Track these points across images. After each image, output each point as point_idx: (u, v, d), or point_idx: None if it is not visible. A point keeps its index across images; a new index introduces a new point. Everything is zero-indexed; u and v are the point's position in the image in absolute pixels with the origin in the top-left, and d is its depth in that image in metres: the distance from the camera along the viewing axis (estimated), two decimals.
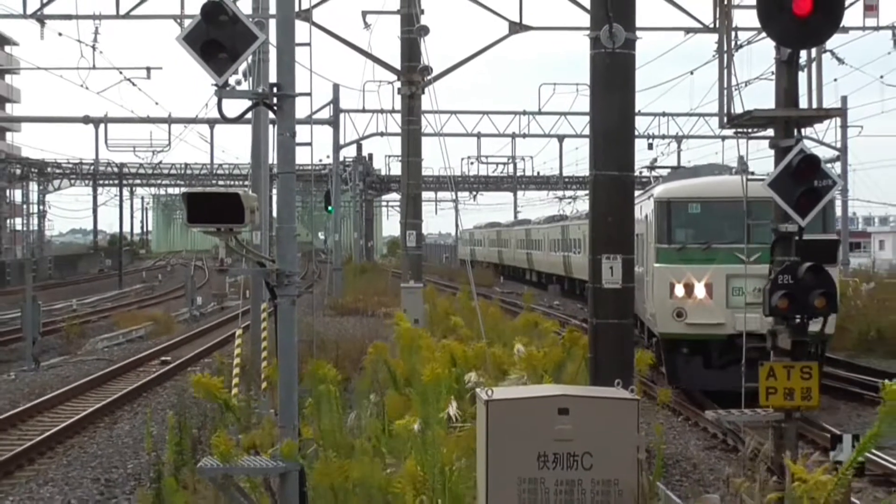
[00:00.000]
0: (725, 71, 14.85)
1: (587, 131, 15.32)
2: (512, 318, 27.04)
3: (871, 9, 33.16)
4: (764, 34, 14.12)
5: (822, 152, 49.33)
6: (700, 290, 24.00)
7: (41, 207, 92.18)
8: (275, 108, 10.52)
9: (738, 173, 24.08)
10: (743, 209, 20.64)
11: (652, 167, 43.79)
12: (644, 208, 28.03)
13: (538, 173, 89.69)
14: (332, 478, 9.84)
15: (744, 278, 22.67)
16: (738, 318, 21.90)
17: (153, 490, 14.18)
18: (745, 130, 16.89)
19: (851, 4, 29.78)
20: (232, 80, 10.20)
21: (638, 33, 13.42)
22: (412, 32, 29.70)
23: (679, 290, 24.30)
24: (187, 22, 10.77)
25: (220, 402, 11.89)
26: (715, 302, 23.86)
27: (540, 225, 70.21)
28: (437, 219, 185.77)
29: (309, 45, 12.24)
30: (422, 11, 29.71)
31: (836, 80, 44.13)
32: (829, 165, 30.86)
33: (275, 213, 11.84)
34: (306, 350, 15.66)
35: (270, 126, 21.40)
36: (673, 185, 27.42)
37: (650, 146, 61.78)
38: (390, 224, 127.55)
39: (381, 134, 65.73)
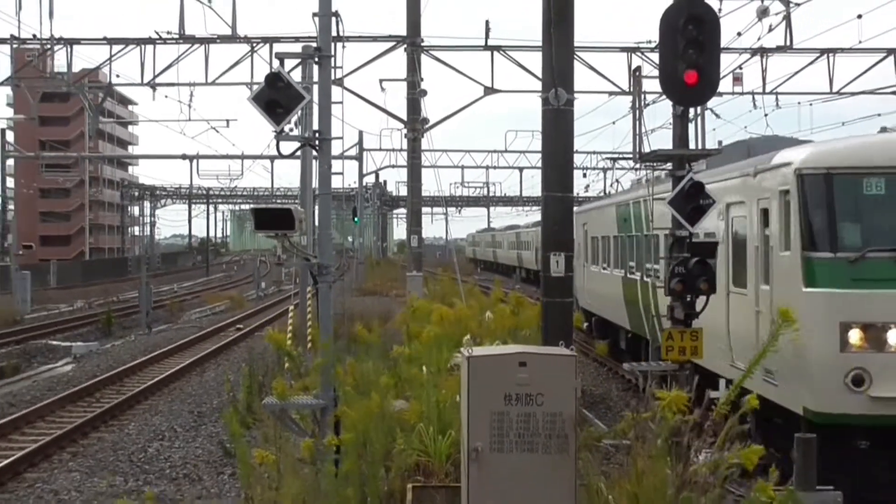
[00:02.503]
0: (638, 122, 14.84)
1: (540, 164, 15.22)
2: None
3: (737, 80, 33.38)
4: (665, 96, 14.05)
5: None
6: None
7: (152, 219, 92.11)
8: (317, 147, 10.46)
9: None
10: None
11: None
12: (727, 193, 13.48)
13: (505, 194, 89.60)
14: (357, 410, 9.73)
15: None
16: None
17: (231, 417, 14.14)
18: (651, 164, 16.86)
19: (724, 77, 29.96)
20: (286, 128, 10.14)
21: (575, 95, 13.37)
22: (415, 94, 29.82)
23: (855, 337, 10.08)
24: (255, 87, 10.73)
25: (283, 351, 11.77)
26: None
27: (528, 228, 64.88)
28: (433, 227, 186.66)
29: (341, 103, 12.20)
30: (422, 79, 29.93)
31: (714, 129, 44.25)
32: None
33: (316, 223, 11.76)
34: (339, 320, 15.61)
35: (314, 160, 21.32)
36: (826, 148, 11.54)
37: (584, 175, 61.87)
38: (399, 230, 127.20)
39: (393, 166, 66.47)
